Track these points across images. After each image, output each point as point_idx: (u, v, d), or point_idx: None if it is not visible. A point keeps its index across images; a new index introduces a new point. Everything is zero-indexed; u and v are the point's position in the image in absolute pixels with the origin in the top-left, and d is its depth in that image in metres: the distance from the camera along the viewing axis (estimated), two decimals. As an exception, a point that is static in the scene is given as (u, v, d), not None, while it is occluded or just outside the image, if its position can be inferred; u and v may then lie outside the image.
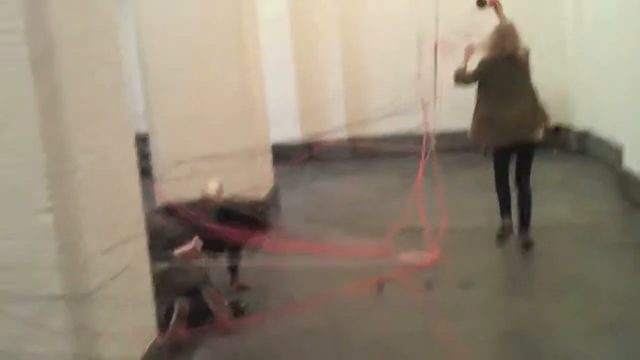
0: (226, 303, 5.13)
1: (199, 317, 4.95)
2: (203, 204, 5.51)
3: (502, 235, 6.35)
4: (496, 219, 6.71)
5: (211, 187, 5.67)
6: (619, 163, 7.71)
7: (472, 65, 6.26)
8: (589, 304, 5.08)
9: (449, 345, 4.51)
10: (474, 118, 6.26)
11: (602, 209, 7.35)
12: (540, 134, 6.24)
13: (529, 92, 6.22)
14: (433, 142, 5.22)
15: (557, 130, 10.60)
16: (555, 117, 10.45)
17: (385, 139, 9.60)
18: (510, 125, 6.04)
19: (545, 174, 9.09)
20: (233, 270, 5.80)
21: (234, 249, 5.67)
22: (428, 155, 5.26)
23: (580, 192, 8.08)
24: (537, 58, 10.28)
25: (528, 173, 6.34)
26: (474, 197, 8.22)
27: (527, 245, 6.17)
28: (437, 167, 4.54)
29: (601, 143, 9.41)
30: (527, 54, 6.26)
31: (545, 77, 10.50)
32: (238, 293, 5.62)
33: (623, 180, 7.55)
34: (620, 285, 5.38)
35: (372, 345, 4.68)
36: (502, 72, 6.07)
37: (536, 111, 6.22)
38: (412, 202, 5.99)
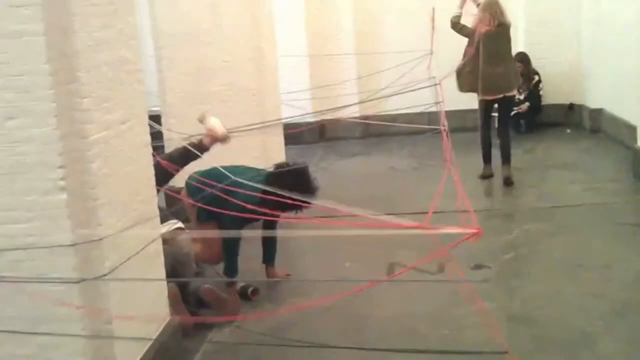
0: (227, 294, 5.01)
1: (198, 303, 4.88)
2: (211, 143, 5.19)
3: (485, 177, 8.01)
4: (509, 200, 6.71)
5: (213, 123, 5.21)
6: (633, 141, 7.65)
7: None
8: (601, 285, 5.05)
9: (462, 327, 4.51)
10: (461, 72, 7.84)
11: (616, 189, 7.31)
12: (515, 91, 8.18)
13: (510, 58, 8.03)
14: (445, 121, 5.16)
15: (571, 106, 10.56)
16: (569, 94, 10.53)
17: (397, 118, 9.54)
18: (495, 81, 7.68)
19: (559, 153, 9.08)
20: (270, 251, 5.53)
21: (271, 223, 5.35)
22: (446, 134, 5.21)
23: (594, 172, 8.03)
24: (552, 36, 10.40)
25: (507, 123, 8.08)
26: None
27: (507, 182, 7.70)
28: (450, 147, 4.51)
29: (615, 121, 9.33)
30: (509, 27, 7.76)
31: (560, 55, 10.56)
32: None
33: (637, 159, 7.48)
34: (633, 266, 5.35)
35: (386, 324, 4.68)
36: (490, 41, 7.60)
37: (513, 73, 7.93)
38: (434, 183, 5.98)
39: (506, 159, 7.85)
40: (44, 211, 3.27)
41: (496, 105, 7.97)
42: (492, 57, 7.60)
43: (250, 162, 6.51)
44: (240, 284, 5.22)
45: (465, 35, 7.86)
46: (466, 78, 7.83)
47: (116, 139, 3.59)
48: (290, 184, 4.78)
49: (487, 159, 8.08)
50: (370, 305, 4.90)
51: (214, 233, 5.04)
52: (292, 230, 5.70)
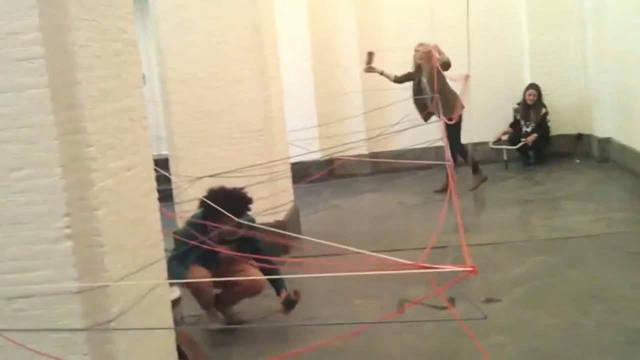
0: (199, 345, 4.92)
1: None
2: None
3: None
4: (520, 232, 6.70)
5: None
6: (642, 170, 7.64)
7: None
8: (614, 316, 5.01)
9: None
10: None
11: (626, 218, 7.28)
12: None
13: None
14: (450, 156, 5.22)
15: (580, 136, 10.57)
16: (577, 124, 10.54)
17: (405, 154, 9.59)
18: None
19: (568, 184, 9.07)
20: (275, 281, 5.55)
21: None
22: (452, 169, 5.27)
23: (603, 201, 8.01)
24: (558, 67, 10.46)
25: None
26: (497, 211, 8.19)
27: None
28: (455, 181, 4.54)
29: (624, 150, 9.32)
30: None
31: (566, 86, 10.60)
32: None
33: (647, 187, 7.47)
34: (646, 296, 5.31)
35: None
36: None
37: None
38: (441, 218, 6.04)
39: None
40: (51, 260, 3.29)
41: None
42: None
43: (258, 202, 6.58)
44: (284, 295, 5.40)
45: (411, 78, 9.04)
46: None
47: (122, 185, 3.62)
48: (223, 204, 4.98)
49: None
50: (381, 342, 4.88)
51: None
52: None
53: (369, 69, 9.06)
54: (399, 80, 9.15)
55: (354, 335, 4.73)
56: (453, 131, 8.49)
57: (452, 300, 5.31)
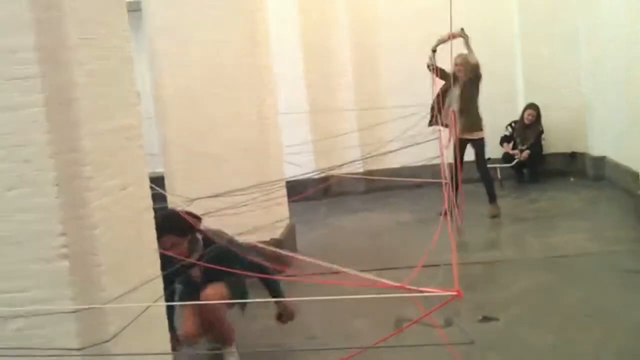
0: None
1: None
2: None
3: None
4: (515, 251, 6.71)
5: None
6: (636, 188, 7.65)
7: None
8: (610, 335, 5.00)
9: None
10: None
11: (621, 236, 7.28)
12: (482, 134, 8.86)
13: (477, 105, 8.85)
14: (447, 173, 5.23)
15: (574, 155, 10.61)
16: (571, 143, 10.58)
17: (401, 171, 9.60)
18: (464, 123, 8.59)
19: (563, 202, 9.08)
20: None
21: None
22: (448, 187, 5.27)
23: (598, 220, 8.02)
24: (552, 86, 10.52)
25: (483, 163, 8.87)
26: (492, 229, 8.19)
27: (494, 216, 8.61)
28: (449, 198, 4.55)
29: (618, 168, 9.35)
30: (480, 78, 8.66)
31: (561, 104, 10.65)
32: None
33: (640, 206, 7.48)
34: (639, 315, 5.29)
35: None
36: (466, 87, 8.65)
37: (479, 118, 8.86)
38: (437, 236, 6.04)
39: (492, 197, 8.71)
40: (47, 279, 3.27)
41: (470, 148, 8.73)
42: (466, 101, 8.53)
43: (253, 219, 6.57)
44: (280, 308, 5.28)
45: (442, 78, 8.61)
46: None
47: (118, 204, 3.61)
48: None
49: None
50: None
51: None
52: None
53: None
54: (438, 70, 8.67)
55: (353, 356, 4.71)
56: (482, 152, 8.73)
57: (449, 320, 5.32)
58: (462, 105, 8.46)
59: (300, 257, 4.76)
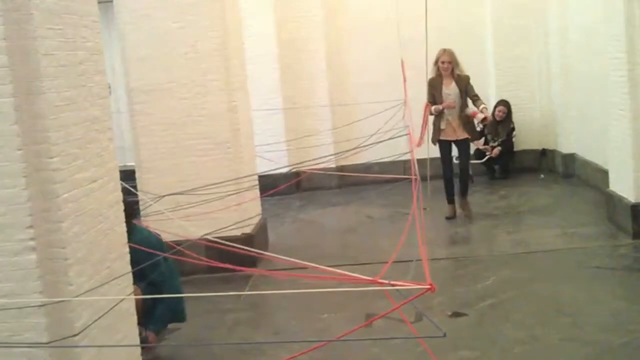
0: None
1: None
2: None
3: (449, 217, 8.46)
4: (485, 247, 6.78)
5: None
6: (605, 185, 7.74)
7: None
8: (578, 329, 5.06)
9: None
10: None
11: (590, 233, 7.36)
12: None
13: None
14: (417, 169, 5.23)
15: (544, 152, 10.72)
16: (542, 140, 10.69)
17: (372, 167, 9.63)
18: (453, 127, 8.40)
19: (533, 199, 9.17)
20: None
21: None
22: (418, 184, 5.28)
23: (568, 216, 8.10)
24: (523, 83, 10.62)
25: (467, 158, 8.69)
26: (463, 225, 8.24)
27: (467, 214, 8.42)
28: (420, 196, 4.57)
29: (587, 166, 9.47)
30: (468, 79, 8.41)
31: (532, 102, 10.76)
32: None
33: (609, 202, 7.57)
34: (606, 310, 5.37)
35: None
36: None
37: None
38: (407, 231, 6.06)
39: (464, 193, 8.50)
40: (14, 272, 3.24)
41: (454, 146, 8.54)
42: (462, 106, 8.33)
43: (225, 215, 6.56)
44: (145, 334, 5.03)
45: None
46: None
47: (87, 197, 3.58)
48: None
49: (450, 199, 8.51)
50: (348, 356, 4.88)
51: None
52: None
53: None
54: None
55: (319, 349, 4.72)
56: (467, 151, 8.67)
57: (419, 315, 5.35)
58: (460, 108, 8.32)
59: (271, 254, 4.74)
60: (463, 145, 8.48)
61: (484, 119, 8.42)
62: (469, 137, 8.45)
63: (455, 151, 8.54)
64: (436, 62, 8.27)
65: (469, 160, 8.96)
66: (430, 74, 8.25)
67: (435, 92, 8.28)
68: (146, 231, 5.17)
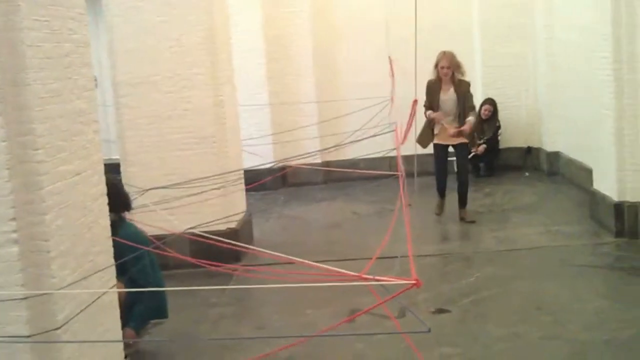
0: None
1: None
2: None
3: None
4: (469, 244, 6.82)
5: None
6: (589, 184, 7.79)
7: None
8: (560, 327, 5.10)
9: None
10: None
11: (574, 231, 7.42)
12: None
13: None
14: (403, 166, 5.25)
15: (529, 150, 10.77)
16: (527, 138, 10.74)
17: (358, 163, 9.63)
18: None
19: (517, 196, 9.21)
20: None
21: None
22: (404, 180, 5.29)
23: (552, 214, 8.15)
24: (509, 81, 10.67)
25: (465, 166, 8.52)
26: (447, 222, 8.27)
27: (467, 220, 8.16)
28: (405, 192, 4.58)
29: (572, 164, 9.53)
30: (468, 85, 8.20)
31: (517, 100, 10.81)
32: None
33: (592, 201, 7.62)
34: (589, 308, 5.42)
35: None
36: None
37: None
38: (393, 228, 6.05)
39: (464, 202, 8.28)
40: (-5, 265, 3.21)
41: (452, 150, 8.35)
42: (461, 113, 8.10)
43: (209, 209, 6.56)
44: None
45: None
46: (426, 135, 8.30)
47: (71, 190, 3.56)
48: None
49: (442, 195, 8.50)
50: (331, 351, 4.89)
51: None
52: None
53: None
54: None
55: (303, 344, 4.73)
56: (466, 156, 8.53)
57: (403, 311, 5.37)
58: (457, 114, 8.11)
59: (255, 249, 4.74)
60: (460, 150, 8.28)
61: (459, 133, 8.04)
62: (466, 142, 8.22)
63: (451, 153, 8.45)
64: (436, 66, 8.06)
65: (468, 169, 8.78)
66: (431, 75, 8.13)
67: (432, 97, 8.10)
68: (134, 227, 5.14)
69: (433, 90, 8.10)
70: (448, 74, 7.99)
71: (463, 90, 8.06)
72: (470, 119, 8.04)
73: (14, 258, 3.21)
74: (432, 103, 8.11)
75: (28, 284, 3.25)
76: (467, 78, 8.21)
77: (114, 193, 4.46)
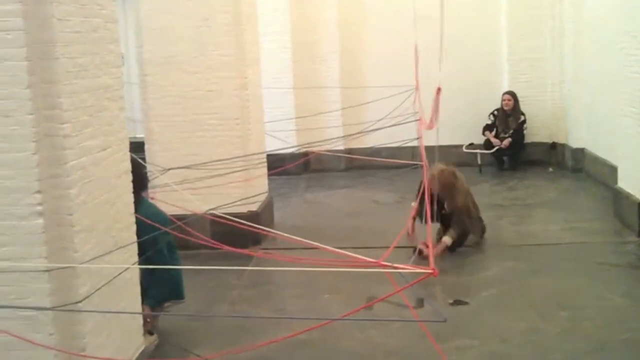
0: None
1: None
2: None
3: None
4: (489, 237, 6.79)
5: None
6: (613, 181, 7.71)
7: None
8: (577, 324, 5.06)
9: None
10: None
11: (596, 228, 7.34)
12: None
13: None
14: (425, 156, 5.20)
15: (554, 145, 10.67)
16: (552, 134, 10.65)
17: (381, 151, 9.60)
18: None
19: (541, 192, 9.14)
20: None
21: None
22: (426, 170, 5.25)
23: (575, 211, 8.08)
24: (535, 76, 10.57)
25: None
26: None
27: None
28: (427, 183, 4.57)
29: (597, 161, 9.43)
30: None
31: (543, 95, 10.70)
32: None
33: (616, 199, 7.54)
34: (608, 306, 5.36)
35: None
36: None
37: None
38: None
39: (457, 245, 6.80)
40: (20, 236, 3.25)
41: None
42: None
43: (231, 191, 6.56)
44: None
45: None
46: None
47: (96, 165, 3.58)
48: None
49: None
50: (347, 338, 4.89)
51: None
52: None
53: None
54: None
55: (319, 329, 4.73)
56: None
57: (420, 301, 5.36)
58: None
59: (277, 232, 4.72)
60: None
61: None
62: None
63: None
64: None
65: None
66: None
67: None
68: (154, 207, 5.14)
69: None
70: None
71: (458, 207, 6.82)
72: (446, 239, 6.71)
73: (39, 230, 3.24)
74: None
75: (51, 257, 3.28)
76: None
77: (134, 173, 4.47)
